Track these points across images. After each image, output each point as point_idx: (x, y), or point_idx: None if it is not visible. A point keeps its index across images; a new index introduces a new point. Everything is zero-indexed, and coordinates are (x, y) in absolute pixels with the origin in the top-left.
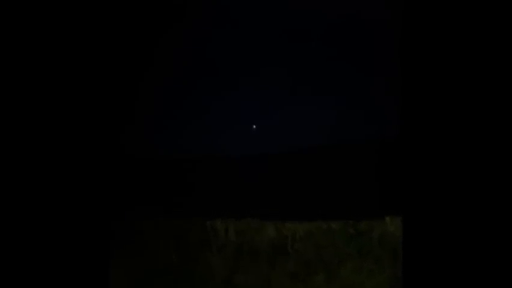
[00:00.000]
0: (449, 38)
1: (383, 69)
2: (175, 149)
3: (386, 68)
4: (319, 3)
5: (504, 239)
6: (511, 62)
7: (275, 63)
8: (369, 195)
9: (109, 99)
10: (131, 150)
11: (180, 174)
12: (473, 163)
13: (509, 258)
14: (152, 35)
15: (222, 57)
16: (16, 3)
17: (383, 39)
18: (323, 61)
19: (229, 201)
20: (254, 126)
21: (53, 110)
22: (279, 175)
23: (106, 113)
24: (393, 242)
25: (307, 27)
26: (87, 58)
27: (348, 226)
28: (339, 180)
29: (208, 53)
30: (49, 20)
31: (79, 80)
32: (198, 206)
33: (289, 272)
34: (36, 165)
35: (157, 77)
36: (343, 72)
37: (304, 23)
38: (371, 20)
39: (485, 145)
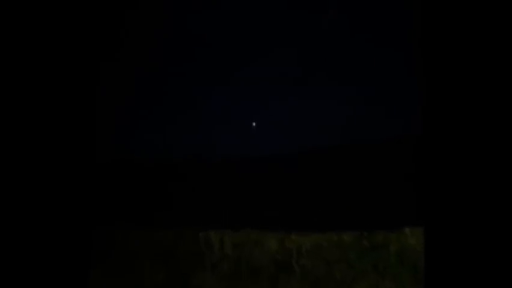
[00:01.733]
0: (477, 26)
1: (411, 54)
2: (163, 150)
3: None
4: None
5: None
6: None
7: (279, 43)
8: (386, 202)
9: (82, 94)
10: (113, 153)
11: (169, 179)
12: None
13: None
14: (131, 18)
15: (213, 38)
16: None
17: (410, 18)
18: (336, 41)
19: (225, 209)
20: (254, 124)
21: (20, 112)
22: (282, 180)
23: (84, 113)
24: (414, 256)
25: None
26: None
27: (362, 238)
28: (351, 186)
29: (197, 35)
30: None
31: (37, 73)
32: (190, 215)
33: None
34: (5, 169)
35: (137, 66)
36: (360, 56)
37: None
38: None
39: None
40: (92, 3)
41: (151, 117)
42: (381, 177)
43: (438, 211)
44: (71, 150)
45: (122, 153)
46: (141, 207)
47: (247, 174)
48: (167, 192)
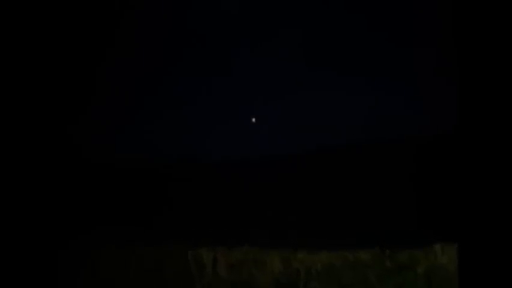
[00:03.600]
0: None
1: (432, 41)
2: (148, 152)
3: (436, 38)
4: None
5: None
6: None
7: (283, 28)
8: (412, 214)
9: (54, 88)
10: (89, 154)
11: (154, 186)
12: None
13: None
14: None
15: (207, 23)
16: None
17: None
18: (349, 28)
19: (219, 222)
20: (253, 120)
21: None
22: (287, 186)
23: (50, 107)
24: (446, 278)
25: None
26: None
27: (384, 257)
28: (369, 193)
29: (188, 19)
30: None
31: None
32: (177, 229)
33: None
34: None
35: (120, 56)
36: (376, 44)
37: None
38: None
39: None
40: (81, 6)
41: (138, 116)
42: (405, 184)
43: (475, 224)
44: (51, 150)
45: (106, 154)
46: (122, 217)
47: (245, 179)
48: (152, 200)
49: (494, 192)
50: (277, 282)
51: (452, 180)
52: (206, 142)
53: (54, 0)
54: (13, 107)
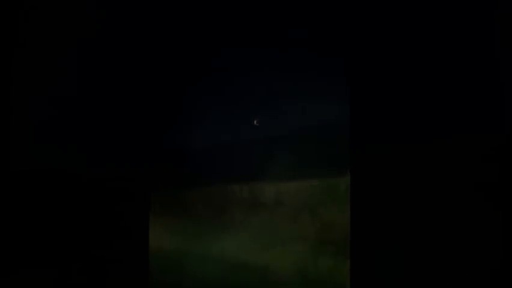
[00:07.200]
0: None
1: None
2: (111, 158)
3: None
4: None
5: None
6: None
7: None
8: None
9: None
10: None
11: (113, 204)
12: None
13: None
14: None
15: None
16: None
17: None
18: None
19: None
20: (255, 123)
21: None
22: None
23: None
24: None
25: None
26: None
27: None
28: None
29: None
30: None
31: None
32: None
33: None
34: None
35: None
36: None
37: None
38: None
39: None
40: None
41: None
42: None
43: None
44: None
45: (47, 161)
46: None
47: (243, 200)
48: (106, 231)
49: None
50: None
51: None
52: (187, 144)
53: None
54: None
